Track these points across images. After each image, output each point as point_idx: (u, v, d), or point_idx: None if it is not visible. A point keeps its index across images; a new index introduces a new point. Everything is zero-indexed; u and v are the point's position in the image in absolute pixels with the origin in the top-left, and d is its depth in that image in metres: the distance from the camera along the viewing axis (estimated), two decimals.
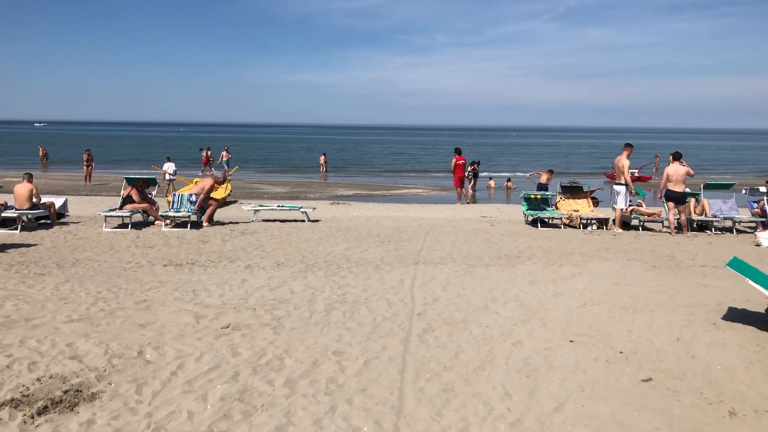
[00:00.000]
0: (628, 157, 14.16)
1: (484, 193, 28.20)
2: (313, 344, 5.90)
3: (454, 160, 22.40)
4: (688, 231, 13.74)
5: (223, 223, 14.35)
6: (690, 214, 14.34)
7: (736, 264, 6.75)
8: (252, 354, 5.61)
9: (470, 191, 25.32)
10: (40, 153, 44.36)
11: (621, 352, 5.74)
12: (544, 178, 17.43)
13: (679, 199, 13.64)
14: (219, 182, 15.49)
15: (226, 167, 32.00)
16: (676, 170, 13.66)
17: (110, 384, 4.89)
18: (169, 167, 25.50)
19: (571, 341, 6.06)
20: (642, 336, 6.24)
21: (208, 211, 14.15)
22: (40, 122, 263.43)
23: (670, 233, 13.62)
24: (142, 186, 14.37)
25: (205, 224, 13.89)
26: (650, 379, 5.09)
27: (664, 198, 13.89)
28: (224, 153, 34.84)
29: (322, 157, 41.85)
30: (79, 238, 12.02)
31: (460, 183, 22.56)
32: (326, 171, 40.72)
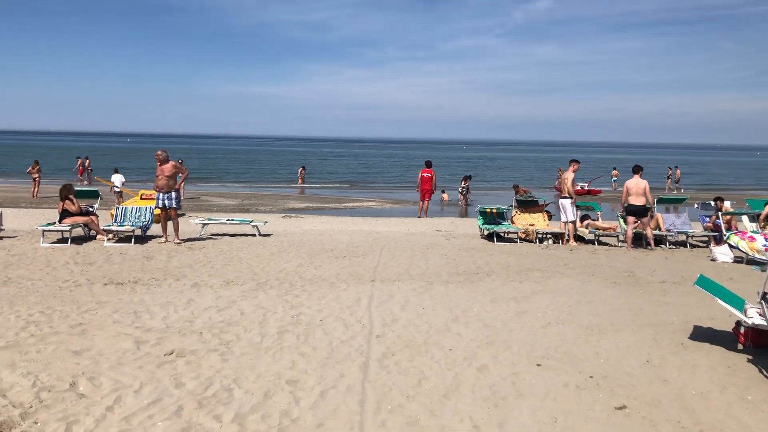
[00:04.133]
0: (573, 171, 14.26)
1: (437, 206, 27.85)
2: (265, 372, 5.45)
3: (420, 173, 21.73)
4: (653, 244, 13.71)
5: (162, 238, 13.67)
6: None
7: (704, 282, 6.58)
8: (197, 384, 5.13)
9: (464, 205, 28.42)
10: None
11: (591, 377, 5.46)
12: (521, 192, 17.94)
13: (640, 212, 13.60)
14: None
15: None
16: (636, 183, 13.60)
17: (36, 423, 4.36)
18: (116, 179, 24.60)
19: (538, 365, 5.76)
20: (610, 358, 5.99)
21: (168, 225, 13.25)
22: None
23: (626, 248, 13.56)
24: (66, 193, 13.29)
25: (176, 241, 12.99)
26: (624, 407, 4.82)
27: (624, 212, 13.83)
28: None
29: (301, 169, 41.94)
30: (13, 255, 11.26)
31: (425, 196, 21.89)
32: (303, 183, 40.62)
